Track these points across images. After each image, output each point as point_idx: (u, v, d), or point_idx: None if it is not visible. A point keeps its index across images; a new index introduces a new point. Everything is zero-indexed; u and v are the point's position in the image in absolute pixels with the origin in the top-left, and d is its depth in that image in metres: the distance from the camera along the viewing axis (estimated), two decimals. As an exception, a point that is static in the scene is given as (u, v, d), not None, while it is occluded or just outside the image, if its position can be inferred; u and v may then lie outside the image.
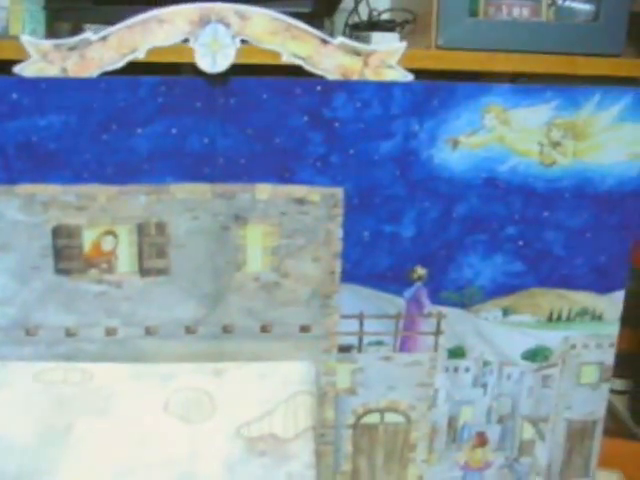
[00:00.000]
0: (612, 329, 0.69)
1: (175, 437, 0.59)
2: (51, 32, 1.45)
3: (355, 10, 1.61)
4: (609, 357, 0.70)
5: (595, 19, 1.50)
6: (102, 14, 1.38)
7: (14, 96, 0.59)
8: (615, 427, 1.63)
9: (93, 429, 0.60)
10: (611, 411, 1.69)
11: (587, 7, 1.53)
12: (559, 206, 0.65)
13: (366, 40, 1.52)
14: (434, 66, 1.38)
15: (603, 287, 0.68)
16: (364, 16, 1.63)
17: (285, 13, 1.34)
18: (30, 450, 0.58)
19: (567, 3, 1.56)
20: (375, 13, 1.61)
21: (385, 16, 1.62)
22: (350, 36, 1.63)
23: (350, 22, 1.63)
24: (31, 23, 1.38)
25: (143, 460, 0.58)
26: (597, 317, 0.68)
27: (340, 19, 1.64)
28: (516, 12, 1.52)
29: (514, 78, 1.46)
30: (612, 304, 0.68)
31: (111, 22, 1.48)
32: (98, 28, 1.35)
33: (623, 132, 0.64)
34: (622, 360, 1.70)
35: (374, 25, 1.54)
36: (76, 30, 1.60)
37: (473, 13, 1.48)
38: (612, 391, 1.71)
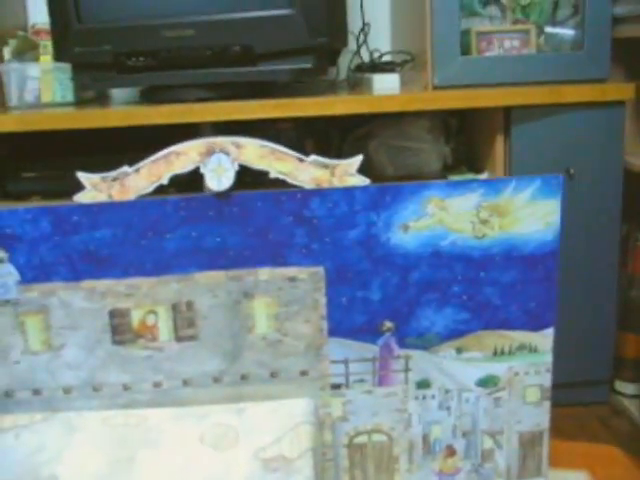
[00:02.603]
0: (546, 358, 0.96)
1: (209, 461, 0.89)
2: (79, 98, 1.77)
3: (357, 53, 1.91)
4: (547, 380, 0.97)
5: (580, 46, 1.77)
6: (125, 81, 1.70)
7: (75, 218, 0.90)
8: (629, 429, 1.89)
9: (149, 459, 0.90)
10: (624, 413, 1.96)
11: (572, 34, 1.81)
12: (492, 267, 0.93)
13: (368, 83, 1.82)
14: (429, 107, 1.67)
15: (535, 326, 0.95)
16: (368, 56, 1.93)
17: (290, 70, 1.67)
18: (104, 475, 0.89)
19: (554, 30, 1.83)
20: (377, 54, 1.90)
21: (387, 57, 1.91)
22: (353, 78, 1.93)
23: (353, 65, 1.92)
24: (61, 91, 1.71)
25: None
26: (533, 349, 0.96)
27: (344, 61, 1.94)
28: (507, 44, 1.80)
29: (507, 110, 1.74)
30: (544, 339, 0.96)
31: (133, 86, 1.80)
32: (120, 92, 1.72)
33: (537, 207, 0.92)
34: (631, 366, 1.97)
35: (375, 67, 1.84)
36: (101, 95, 1.92)
37: (465, 51, 1.77)
38: (624, 395, 1.99)
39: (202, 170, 0.89)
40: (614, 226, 1.82)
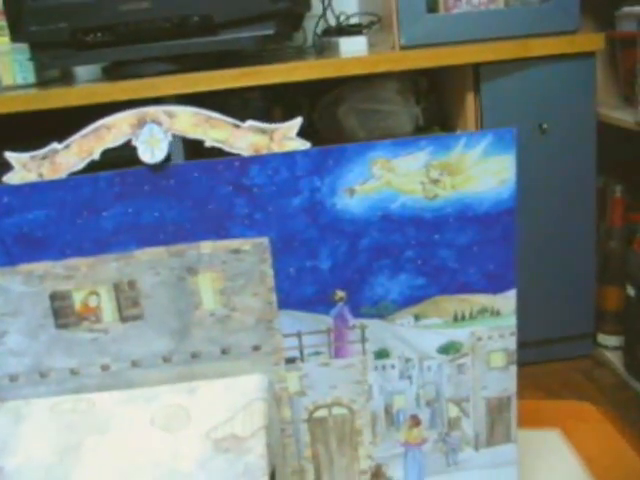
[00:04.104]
0: (510, 321, 0.90)
1: (160, 444, 0.83)
2: (41, 78, 1.69)
3: (323, 17, 1.82)
4: (512, 344, 0.91)
5: (549, -2, 1.68)
6: (85, 58, 1.62)
7: (6, 199, 0.83)
8: (612, 380, 1.84)
9: (97, 444, 0.84)
10: (607, 366, 1.90)
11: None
12: (446, 229, 0.86)
13: (335, 47, 1.74)
14: (397, 67, 1.59)
15: (496, 288, 0.89)
16: (334, 20, 1.84)
17: (252, 38, 1.58)
18: (51, 465, 0.83)
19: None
20: (343, 17, 1.82)
21: (353, 19, 1.82)
22: (320, 43, 1.84)
23: (320, 30, 1.84)
24: (22, 72, 1.63)
25: (136, 464, 0.82)
26: (495, 313, 0.90)
27: (311, 26, 1.85)
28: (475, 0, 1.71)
29: (476, 66, 1.66)
30: (506, 301, 0.89)
31: (93, 63, 1.72)
32: (84, 70, 1.63)
33: (490, 164, 0.85)
34: (612, 318, 1.92)
35: (342, 30, 1.76)
36: (66, 74, 1.84)
37: (432, 8, 1.69)
38: (606, 347, 1.93)
39: (134, 142, 0.82)
40: (589, 179, 1.75)
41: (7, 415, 0.88)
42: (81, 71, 1.83)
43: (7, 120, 1.57)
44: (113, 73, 1.64)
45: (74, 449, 0.84)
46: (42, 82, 1.66)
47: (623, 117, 1.71)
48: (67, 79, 1.81)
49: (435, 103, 1.79)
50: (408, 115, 1.74)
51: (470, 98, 1.68)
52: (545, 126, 1.68)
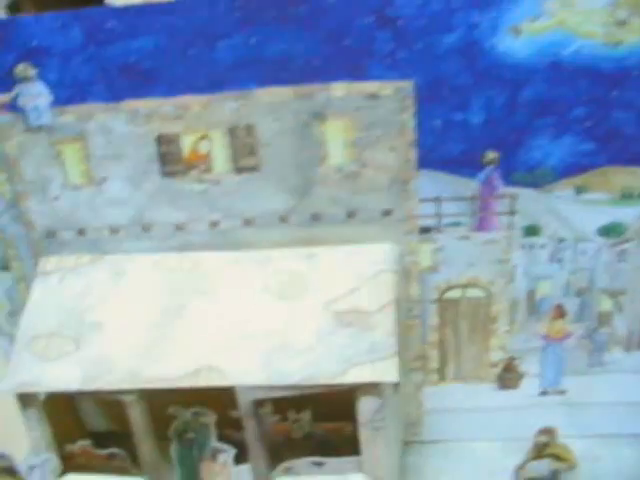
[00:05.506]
0: (690, 202, 0.73)
1: (272, 313, 0.71)
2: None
3: None
4: (687, 229, 0.74)
5: None
6: None
7: (109, 25, 0.69)
8: None
9: (203, 308, 0.72)
10: None
11: None
12: (628, 85, 0.68)
13: None
14: None
15: (679, 161, 0.71)
16: None
17: None
18: (153, 324, 0.72)
19: None
20: None
21: None
22: None
23: None
24: None
25: (246, 332, 0.70)
26: (674, 190, 0.73)
27: None
28: None
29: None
30: (689, 178, 0.72)
31: None
32: None
33: (694, 4, 0.66)
34: None
35: None
36: None
37: None
38: None
39: (261, -43, 0.66)
40: None
41: (108, 269, 0.76)
42: None
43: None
44: None
45: (177, 309, 0.73)
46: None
47: None
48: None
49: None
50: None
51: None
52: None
